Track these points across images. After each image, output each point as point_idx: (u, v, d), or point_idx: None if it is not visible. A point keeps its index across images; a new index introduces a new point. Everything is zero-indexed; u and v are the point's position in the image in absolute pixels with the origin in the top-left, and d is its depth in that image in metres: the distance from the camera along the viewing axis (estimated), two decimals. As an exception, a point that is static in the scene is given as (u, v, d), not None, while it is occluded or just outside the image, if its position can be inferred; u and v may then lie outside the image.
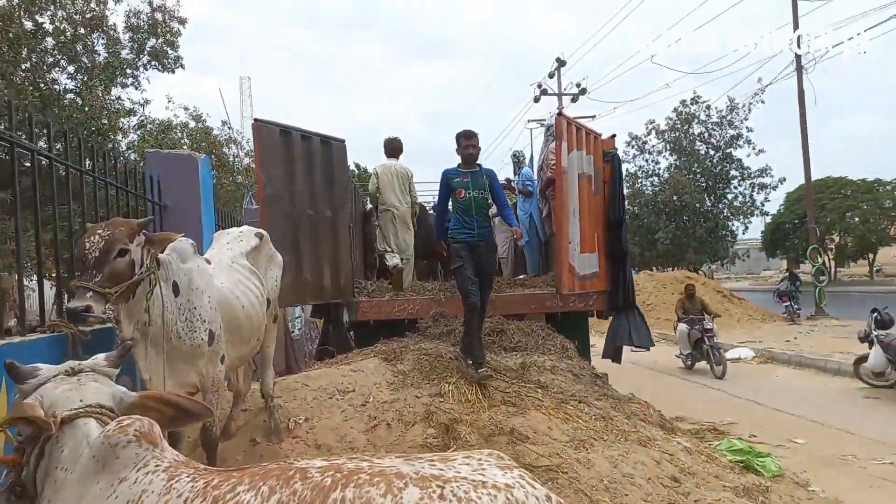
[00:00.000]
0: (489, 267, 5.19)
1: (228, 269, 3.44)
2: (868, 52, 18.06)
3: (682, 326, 11.06)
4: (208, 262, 3.35)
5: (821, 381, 9.67)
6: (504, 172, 11.32)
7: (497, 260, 5.26)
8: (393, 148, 7.48)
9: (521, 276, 8.71)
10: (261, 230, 4.13)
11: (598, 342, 8.14)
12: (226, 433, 3.90)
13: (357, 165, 21.16)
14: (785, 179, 28.50)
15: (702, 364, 10.86)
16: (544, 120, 27.43)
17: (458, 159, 5.12)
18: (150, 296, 2.84)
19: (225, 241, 3.86)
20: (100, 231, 2.74)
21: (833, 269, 30.97)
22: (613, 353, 6.79)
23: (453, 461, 1.47)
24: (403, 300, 6.39)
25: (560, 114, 5.61)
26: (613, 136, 6.63)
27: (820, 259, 18.59)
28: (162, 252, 2.92)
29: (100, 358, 1.83)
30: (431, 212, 10.26)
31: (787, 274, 19.54)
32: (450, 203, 5.24)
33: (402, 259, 7.23)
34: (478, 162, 5.19)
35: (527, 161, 9.66)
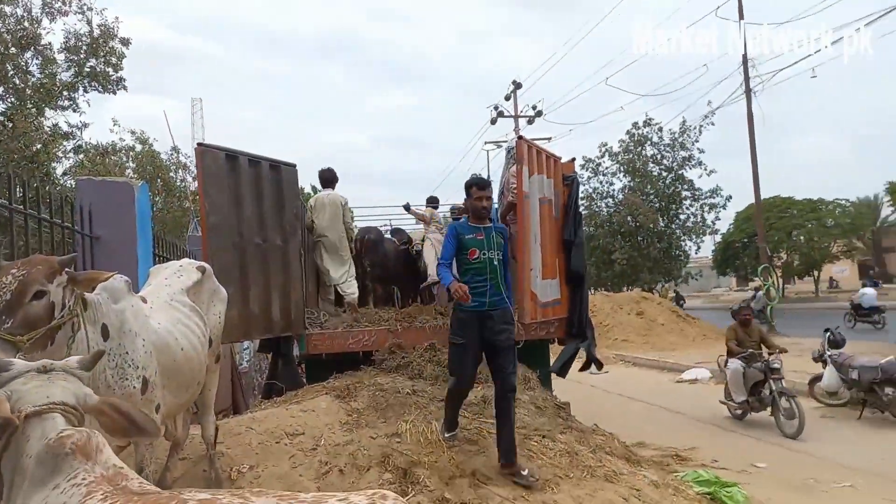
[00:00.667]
0: (506, 341, 4.26)
1: (167, 308, 3.14)
2: (817, 76, 18.74)
3: (736, 364, 8.35)
4: (144, 300, 3.05)
5: (777, 402, 9.72)
6: (461, 195, 11.32)
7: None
8: (325, 179, 7.58)
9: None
10: (203, 263, 3.83)
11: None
12: (161, 485, 3.55)
13: (314, 189, 20.79)
14: (731, 197, 29.38)
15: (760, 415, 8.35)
16: (502, 142, 27.66)
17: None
18: (73, 342, 2.54)
19: (163, 276, 3.55)
20: (13, 271, 2.43)
21: (781, 287, 31.89)
22: (559, 369, 6.64)
23: (330, 501, 1.49)
24: (357, 331, 6.12)
25: (521, 137, 5.49)
26: (573, 159, 6.56)
27: (771, 278, 19.04)
28: (91, 291, 2.61)
29: (72, 360, 1.94)
30: (388, 236, 10.10)
31: (754, 293, 19.67)
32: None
33: (333, 286, 7.40)
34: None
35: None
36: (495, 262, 4.29)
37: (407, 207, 9.29)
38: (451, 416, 4.39)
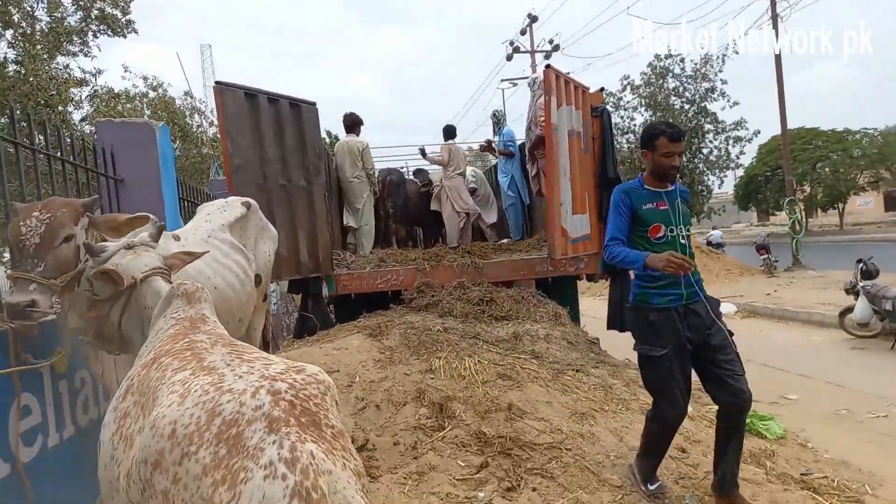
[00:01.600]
0: (723, 339, 3.14)
1: (202, 245, 3.08)
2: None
3: None
4: (177, 238, 3.00)
5: (805, 334, 9.65)
6: (479, 134, 11.02)
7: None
8: (347, 124, 7.68)
9: (504, 241, 8.46)
10: (249, 199, 3.79)
11: (584, 306, 7.94)
12: None
13: (329, 133, 20.48)
14: (760, 132, 28.51)
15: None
16: (518, 79, 26.90)
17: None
18: None
19: (205, 212, 3.51)
20: (36, 213, 2.38)
21: (804, 220, 31.35)
22: (619, 325, 6.56)
23: (256, 362, 1.62)
24: (386, 271, 6.08)
25: (548, 66, 5.24)
26: (601, 89, 6.30)
27: (797, 211, 18.65)
28: (110, 233, 2.56)
29: (144, 235, 2.44)
30: (410, 177, 9.96)
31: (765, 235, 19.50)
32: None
33: (355, 228, 7.53)
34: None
35: (506, 120, 9.32)
36: (683, 240, 3.20)
37: (423, 152, 9.03)
38: (654, 459, 3.34)
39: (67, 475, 2.71)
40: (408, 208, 9.12)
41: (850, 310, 8.70)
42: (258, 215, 3.66)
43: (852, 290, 8.63)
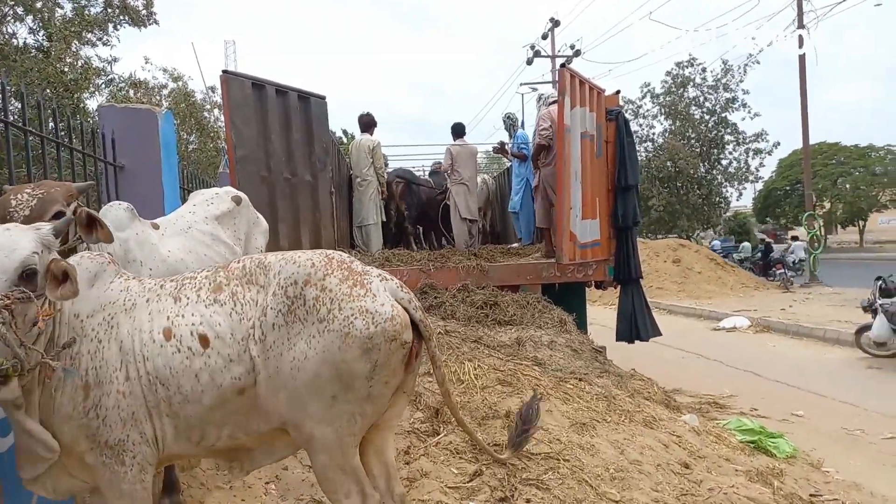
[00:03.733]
0: None
1: (182, 236, 2.98)
2: (882, 3, 17.36)
3: None
4: (156, 226, 2.90)
5: (820, 351, 9.43)
6: (497, 138, 10.89)
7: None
8: (362, 123, 7.77)
9: (514, 245, 8.33)
10: (239, 193, 3.65)
11: (594, 314, 7.79)
12: None
13: (345, 132, 20.45)
14: (779, 144, 28.13)
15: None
16: (538, 83, 26.72)
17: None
18: None
19: (192, 203, 3.40)
20: (28, 190, 2.31)
21: (823, 236, 30.86)
22: (628, 336, 6.50)
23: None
24: (389, 271, 5.96)
25: (563, 65, 5.12)
26: (617, 92, 6.14)
27: (816, 226, 18.34)
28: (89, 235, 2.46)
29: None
30: (427, 178, 9.92)
31: (763, 246, 19.21)
32: None
33: (361, 227, 7.62)
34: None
35: (520, 123, 9.19)
36: None
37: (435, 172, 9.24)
38: None
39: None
40: (416, 211, 9.06)
41: (867, 328, 8.48)
42: (249, 210, 3.54)
43: (870, 308, 8.41)
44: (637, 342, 6.87)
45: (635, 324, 6.26)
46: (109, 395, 1.92)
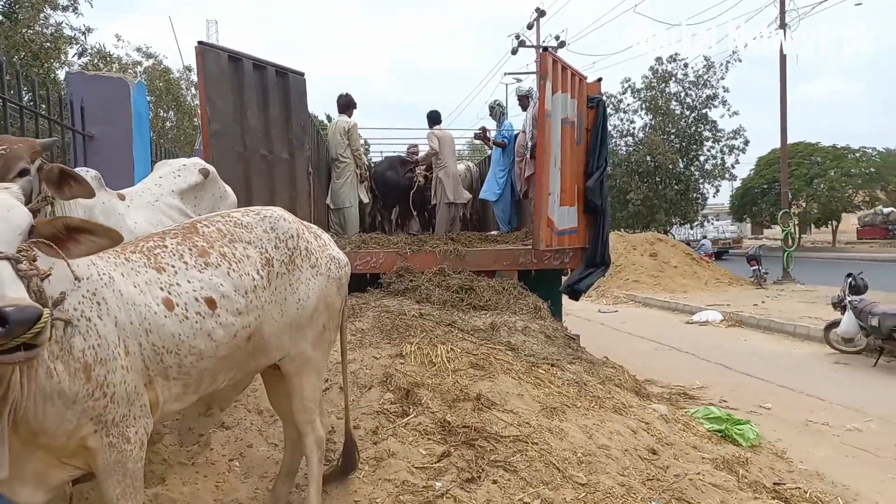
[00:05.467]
0: None
1: (148, 208, 2.91)
2: (862, 2, 17.57)
3: None
4: (123, 197, 2.82)
5: (790, 346, 9.57)
6: (480, 125, 10.86)
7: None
8: (340, 104, 7.71)
9: (493, 233, 8.31)
10: (207, 166, 3.55)
11: (569, 304, 7.81)
12: None
13: (328, 117, 20.22)
14: (748, 142, 28.47)
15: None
16: (523, 73, 26.63)
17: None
18: None
19: (158, 174, 3.30)
20: None
21: (797, 235, 31.31)
22: (570, 291, 6.44)
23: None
24: (365, 253, 5.92)
25: (546, 49, 5.07)
26: (600, 79, 6.12)
27: (791, 224, 18.60)
28: (59, 191, 2.38)
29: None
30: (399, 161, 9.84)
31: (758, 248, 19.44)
32: None
33: (335, 209, 7.62)
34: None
35: (506, 114, 9.14)
36: None
37: (411, 154, 9.24)
38: None
39: None
40: (390, 197, 9.10)
41: (835, 324, 8.61)
42: (217, 184, 3.45)
43: (839, 305, 8.54)
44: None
45: (583, 284, 6.30)
46: (115, 371, 1.88)
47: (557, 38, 25.58)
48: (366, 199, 8.22)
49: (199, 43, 4.79)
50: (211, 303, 2.14)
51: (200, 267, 2.18)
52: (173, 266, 2.13)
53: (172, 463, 3.14)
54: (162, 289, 2.06)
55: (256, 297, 2.27)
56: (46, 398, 1.75)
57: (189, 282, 2.13)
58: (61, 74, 10.93)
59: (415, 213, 9.46)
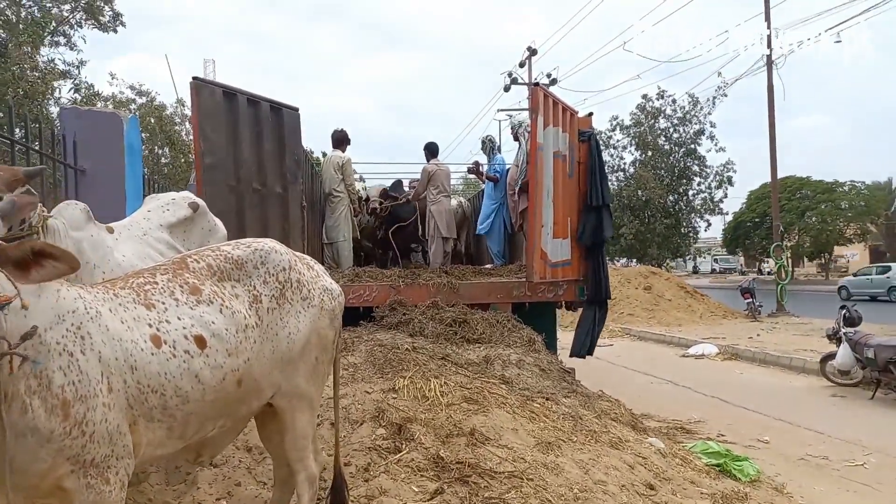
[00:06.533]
0: None
1: (136, 242, 2.88)
2: (841, 40, 18.02)
3: None
4: (111, 230, 2.80)
5: (786, 379, 9.52)
6: (473, 160, 10.92)
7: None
8: (334, 140, 7.79)
9: (487, 266, 8.30)
10: (197, 200, 3.53)
11: (565, 338, 7.76)
12: None
13: (324, 154, 20.39)
14: (732, 177, 28.92)
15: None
16: (515, 110, 27.05)
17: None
18: None
19: (147, 208, 3.29)
20: None
21: (790, 268, 31.45)
22: (578, 352, 6.45)
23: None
24: (358, 286, 5.89)
25: (537, 84, 5.15)
26: (590, 114, 6.21)
27: (784, 257, 18.70)
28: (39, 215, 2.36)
29: None
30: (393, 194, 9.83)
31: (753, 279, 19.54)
32: None
33: (329, 243, 7.65)
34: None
35: (497, 147, 9.21)
36: None
37: (396, 186, 9.30)
38: None
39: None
40: (392, 229, 9.07)
41: (831, 356, 8.58)
42: (206, 217, 3.42)
43: (834, 337, 8.52)
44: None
45: (591, 341, 6.28)
46: (96, 409, 1.78)
47: (549, 75, 26.08)
48: (358, 235, 8.21)
49: (194, 78, 4.84)
50: (200, 341, 2.09)
51: (192, 304, 2.14)
52: (164, 303, 2.09)
53: (158, 503, 3.05)
54: (150, 325, 2.01)
55: (247, 338, 2.22)
56: (18, 435, 1.66)
57: (179, 319, 2.08)
58: (54, 112, 11.00)
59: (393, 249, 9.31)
